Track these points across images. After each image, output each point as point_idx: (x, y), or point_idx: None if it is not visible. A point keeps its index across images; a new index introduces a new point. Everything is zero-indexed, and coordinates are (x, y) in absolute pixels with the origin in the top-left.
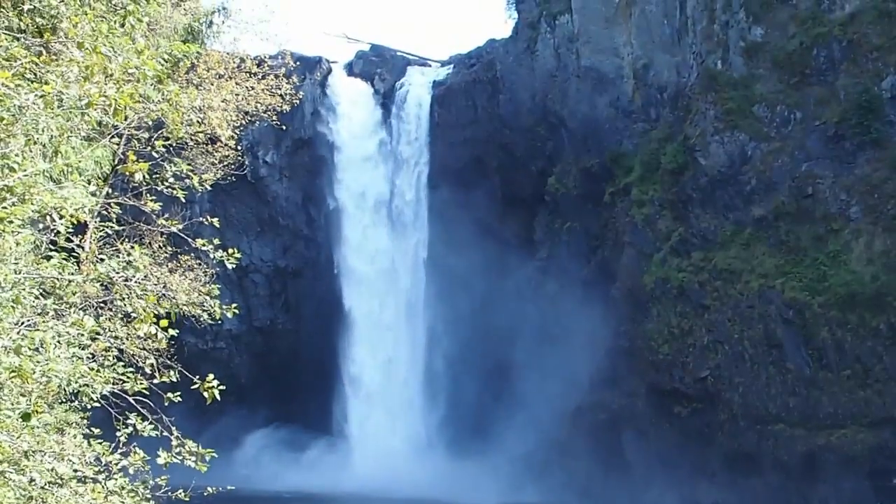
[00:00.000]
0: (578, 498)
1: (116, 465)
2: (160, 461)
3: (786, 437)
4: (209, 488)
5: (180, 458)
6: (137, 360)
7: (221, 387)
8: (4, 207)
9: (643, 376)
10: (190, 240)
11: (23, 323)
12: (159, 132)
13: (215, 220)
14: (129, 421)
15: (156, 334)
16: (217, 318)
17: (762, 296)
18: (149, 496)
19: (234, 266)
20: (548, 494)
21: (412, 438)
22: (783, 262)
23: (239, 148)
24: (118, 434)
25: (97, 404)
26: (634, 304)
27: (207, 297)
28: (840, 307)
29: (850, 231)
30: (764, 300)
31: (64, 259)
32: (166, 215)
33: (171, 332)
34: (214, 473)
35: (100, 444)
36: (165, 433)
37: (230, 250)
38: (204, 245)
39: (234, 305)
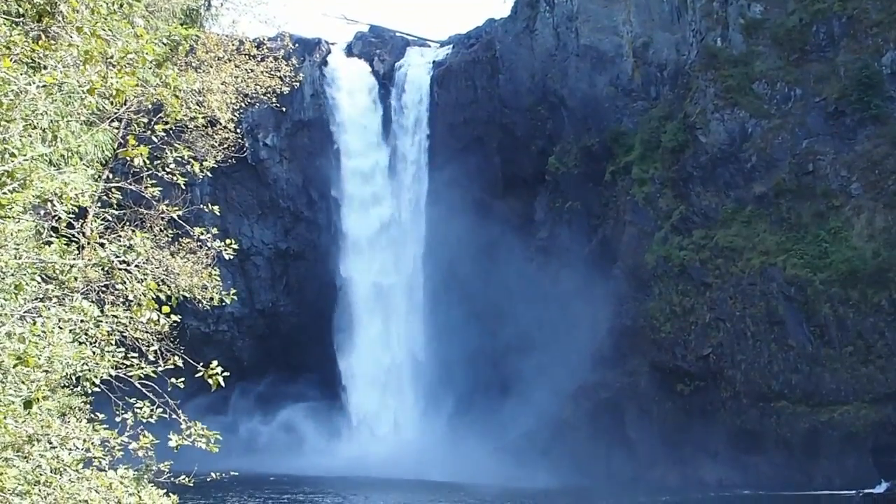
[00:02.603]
0: (581, 477)
1: (120, 450)
2: (171, 444)
3: (788, 414)
4: (213, 474)
5: (191, 439)
6: (141, 345)
7: (226, 373)
8: (5, 193)
9: (645, 355)
10: (188, 227)
11: (26, 308)
12: (159, 116)
13: (216, 207)
14: (136, 406)
15: (158, 319)
16: (216, 303)
17: (763, 273)
18: (152, 481)
19: (236, 250)
20: (551, 474)
21: (414, 420)
22: (784, 239)
23: (239, 131)
24: (118, 419)
25: (99, 389)
26: (636, 282)
27: (209, 281)
28: (841, 283)
29: (851, 207)
30: (765, 277)
31: (65, 244)
32: (167, 200)
33: (174, 317)
34: (216, 457)
35: (105, 429)
36: (170, 418)
37: (227, 241)
38: (202, 233)
39: (233, 291)
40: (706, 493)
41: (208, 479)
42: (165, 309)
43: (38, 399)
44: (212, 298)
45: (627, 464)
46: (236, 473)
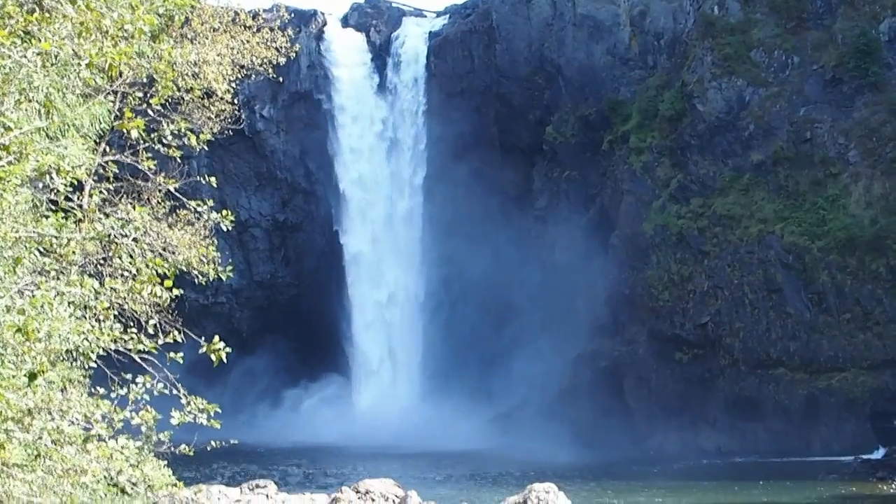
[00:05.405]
0: (580, 445)
1: (120, 421)
2: (173, 421)
3: (787, 381)
4: (212, 442)
5: (192, 415)
6: (140, 317)
7: (228, 349)
8: (2, 166)
9: (644, 323)
10: (185, 200)
11: (25, 282)
12: (154, 88)
13: (213, 178)
14: (134, 381)
15: (160, 293)
16: (213, 278)
17: (762, 241)
18: (153, 451)
19: (233, 222)
20: (550, 442)
21: (413, 389)
22: (782, 206)
23: (235, 102)
24: (113, 394)
25: (97, 363)
26: (634, 251)
27: (207, 254)
28: (839, 251)
29: (849, 175)
30: (763, 245)
31: (62, 218)
32: (164, 173)
33: (176, 290)
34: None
35: (106, 402)
36: (171, 393)
37: (224, 212)
38: (199, 205)
39: (229, 268)
40: (705, 459)
41: (208, 448)
42: (168, 283)
43: (41, 371)
44: (208, 273)
45: (626, 432)
46: (236, 442)
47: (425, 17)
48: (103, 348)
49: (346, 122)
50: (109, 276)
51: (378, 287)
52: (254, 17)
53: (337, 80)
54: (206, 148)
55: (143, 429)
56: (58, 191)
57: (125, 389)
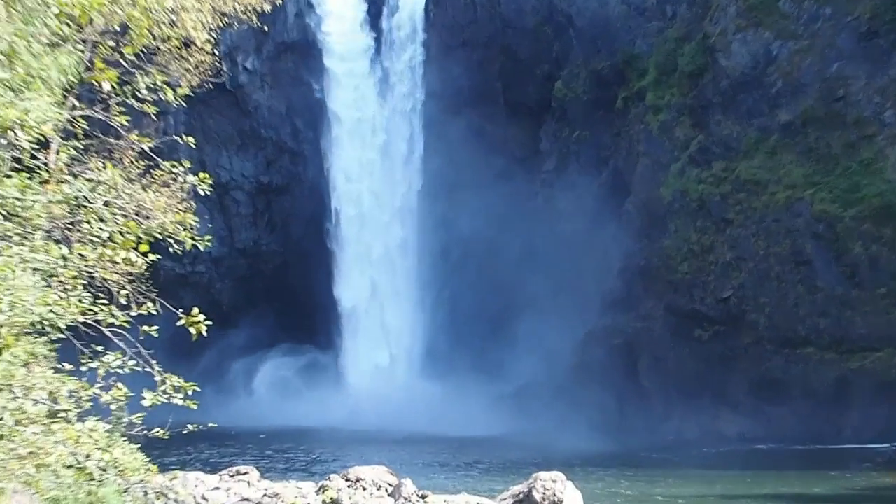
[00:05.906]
0: (591, 429)
1: (89, 401)
2: (145, 402)
3: (815, 361)
4: (189, 426)
5: (166, 396)
6: (111, 288)
7: (208, 322)
8: None
9: (660, 297)
10: (160, 160)
11: None
12: (128, 37)
13: (191, 139)
14: (103, 356)
15: (134, 260)
16: (188, 247)
17: (789, 208)
18: (124, 434)
19: (212, 186)
20: (558, 425)
21: (411, 367)
22: (812, 171)
23: (216, 53)
24: (84, 368)
25: (64, 336)
26: (650, 218)
27: (184, 220)
28: (874, 220)
29: (885, 137)
30: (791, 213)
31: (27, 178)
32: (137, 130)
33: (152, 256)
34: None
35: (73, 380)
36: (143, 370)
37: (202, 174)
38: (174, 166)
39: (207, 237)
40: (725, 446)
41: (184, 432)
42: (143, 247)
43: (6, 346)
44: (183, 242)
45: (640, 415)
46: (215, 425)
47: None
48: (71, 320)
49: (336, 75)
50: (78, 241)
51: (371, 256)
52: None
53: (327, 29)
54: (183, 103)
55: (113, 408)
56: (22, 148)
57: (95, 363)
